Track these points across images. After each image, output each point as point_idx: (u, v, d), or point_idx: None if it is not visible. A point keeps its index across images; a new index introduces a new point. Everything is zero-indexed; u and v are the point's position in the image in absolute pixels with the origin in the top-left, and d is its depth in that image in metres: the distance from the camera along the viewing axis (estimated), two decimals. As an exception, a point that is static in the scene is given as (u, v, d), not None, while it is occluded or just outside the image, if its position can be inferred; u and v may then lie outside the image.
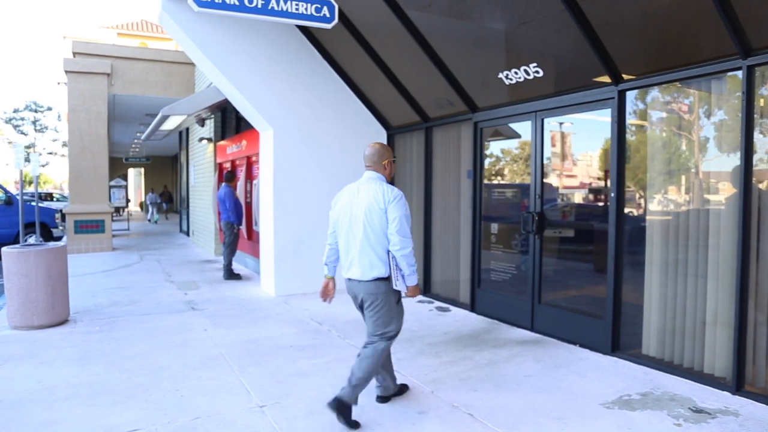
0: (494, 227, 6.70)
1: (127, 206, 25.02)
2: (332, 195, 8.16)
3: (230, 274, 9.61)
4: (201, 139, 13.08)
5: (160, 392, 4.38)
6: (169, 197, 29.84)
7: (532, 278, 6.06)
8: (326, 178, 8.36)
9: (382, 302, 3.83)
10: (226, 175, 9.71)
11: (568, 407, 4.06)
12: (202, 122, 12.02)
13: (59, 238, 14.64)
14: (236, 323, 6.62)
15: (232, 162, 11.40)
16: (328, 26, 5.86)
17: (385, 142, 8.79)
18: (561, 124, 5.90)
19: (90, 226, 13.37)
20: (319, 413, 3.95)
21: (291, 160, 8.11)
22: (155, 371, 4.87)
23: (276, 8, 5.52)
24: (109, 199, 20.29)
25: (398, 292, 3.87)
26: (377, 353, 3.84)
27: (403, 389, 4.37)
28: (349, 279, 3.93)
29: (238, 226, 9.56)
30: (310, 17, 5.69)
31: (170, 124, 10.94)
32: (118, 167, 32.06)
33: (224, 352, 5.48)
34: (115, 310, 7.18)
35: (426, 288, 7.99)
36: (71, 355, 5.29)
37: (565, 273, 6.09)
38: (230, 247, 9.58)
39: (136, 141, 23.16)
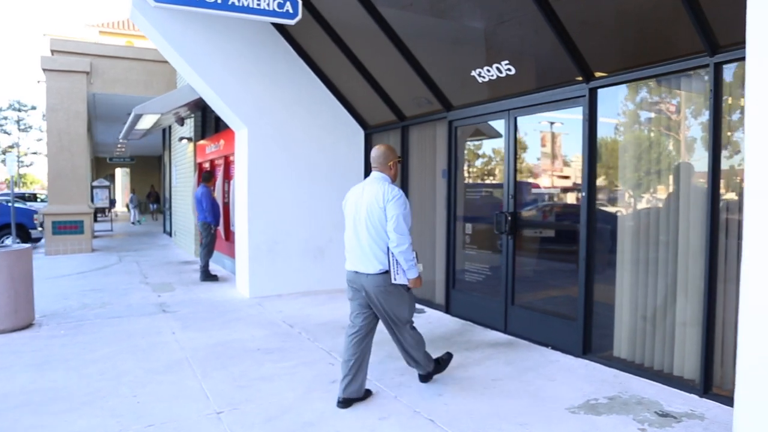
0: (469, 227, 6.61)
1: (111, 207, 24.79)
2: (308, 195, 8.26)
3: (207, 276, 9.47)
4: (181, 139, 12.94)
5: (118, 398, 4.25)
6: (156, 197, 29.61)
7: (506, 279, 5.97)
8: (301, 178, 8.26)
9: (393, 296, 4.08)
10: (204, 175, 9.58)
11: (534, 412, 3.96)
12: (181, 121, 11.87)
13: (38, 240, 14.45)
14: (206, 326, 6.50)
15: (211, 162, 11.26)
16: (292, 22, 5.74)
17: (362, 142, 8.70)
18: (543, 123, 5.81)
19: (68, 227, 13.18)
20: (278, 419, 3.85)
21: (266, 159, 7.99)
22: (116, 376, 4.74)
23: (237, 3, 5.40)
24: (91, 200, 20.15)
25: (404, 284, 4.09)
26: (412, 341, 4.30)
27: (366, 394, 4.27)
28: (356, 272, 4.18)
29: (215, 226, 9.43)
30: (273, 13, 5.57)
31: (145, 123, 10.78)
32: (103, 167, 31.85)
33: (190, 355, 5.36)
34: (84, 313, 7.04)
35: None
36: (30, 361, 5.14)
37: (539, 274, 6.01)
38: (207, 248, 9.45)
39: (121, 141, 22.96)
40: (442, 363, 4.66)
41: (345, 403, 4.08)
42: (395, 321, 4.20)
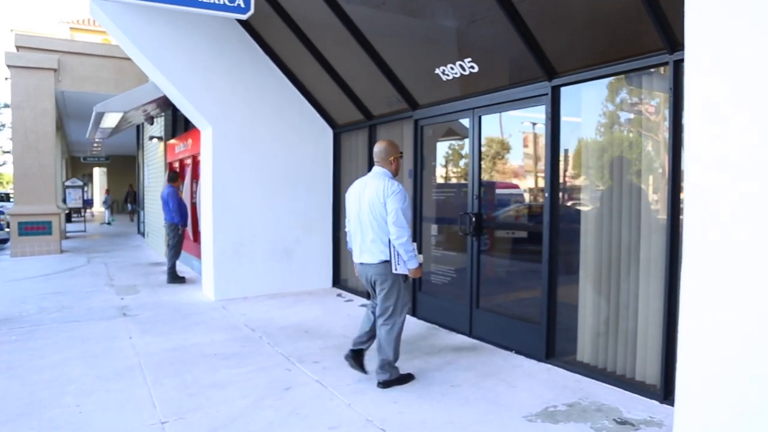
0: (435, 229, 6.48)
1: (88, 207, 24.35)
2: (275, 196, 8.11)
3: (173, 278, 9.26)
4: (151, 138, 12.70)
5: (60, 408, 4.06)
6: (134, 197, 29.13)
7: (470, 282, 5.85)
8: (268, 179, 8.09)
9: (390, 281, 4.35)
10: (170, 175, 9.36)
11: (489, 420, 3.84)
12: (151, 120, 11.64)
13: (5, 241, 14.11)
14: (166, 330, 6.31)
15: (181, 161, 11.05)
16: (244, 16, 5.57)
17: (330, 141, 8.54)
18: (509, 121, 5.70)
19: (35, 228, 12.87)
20: (224, 429, 3.69)
21: (231, 159, 7.81)
22: (63, 384, 4.55)
23: (186, -3, 5.21)
24: (64, 200, 19.78)
25: (405, 273, 4.38)
26: (394, 334, 4.43)
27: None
28: (362, 263, 4.49)
29: (182, 227, 9.22)
30: (223, 7, 5.39)
31: (110, 121, 10.51)
32: (79, 167, 31.35)
33: (144, 361, 5.18)
34: (41, 318, 6.82)
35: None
36: (-28, 369, 4.94)
37: (504, 276, 5.90)
38: (174, 249, 9.24)
39: (97, 140, 22.57)
40: (407, 378, 4.60)
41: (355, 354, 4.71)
42: (383, 306, 4.44)
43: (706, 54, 2.68)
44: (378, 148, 4.50)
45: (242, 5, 5.43)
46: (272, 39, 7.73)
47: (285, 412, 3.97)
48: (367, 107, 7.44)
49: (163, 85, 7.60)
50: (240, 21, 7.69)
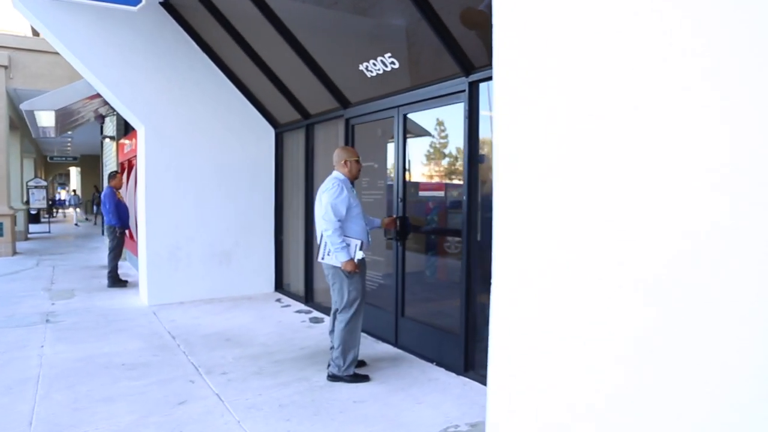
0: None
1: (57, 208, 23.90)
2: (213, 197, 7.84)
3: (114, 281, 8.96)
4: (104, 137, 12.37)
5: (-75, 427, 3.78)
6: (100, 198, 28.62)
7: (396, 289, 5.60)
8: (206, 180, 7.81)
9: (335, 277, 4.56)
10: (109, 175, 9.06)
11: (381, 439, 3.59)
12: (101, 119, 11.31)
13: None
14: (84, 337, 6.02)
15: (129, 161, 10.73)
16: (134, 9, 5.30)
17: (272, 141, 8.28)
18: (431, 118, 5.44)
19: (-15, 229, 12.52)
20: (91, 451, 3.42)
21: (165, 159, 7.52)
22: (-57, 399, 4.26)
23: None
24: (27, 200, 19.37)
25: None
26: (341, 328, 4.54)
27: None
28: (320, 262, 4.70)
29: (119, 229, 8.91)
30: (113, -1, 5.11)
31: (47, 120, 10.18)
32: (52, 167, 30.88)
33: (44, 373, 4.89)
34: (-45, 324, 6.51)
35: (308, 297, 7.49)
36: None
37: (430, 283, 5.65)
38: (113, 252, 8.93)
39: (70, 139, 22.18)
40: (359, 379, 4.63)
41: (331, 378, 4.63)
42: (336, 302, 4.64)
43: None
44: (334, 153, 4.77)
45: (133, -5, 5.15)
46: (208, 36, 7.46)
47: (167, 429, 3.70)
48: (303, 106, 7.18)
49: (94, 83, 7.29)
50: (175, 16, 7.42)
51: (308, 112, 7.19)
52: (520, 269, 2.43)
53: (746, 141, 1.59)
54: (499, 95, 2.51)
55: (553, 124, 2.22)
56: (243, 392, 4.42)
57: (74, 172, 37.93)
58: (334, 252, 4.42)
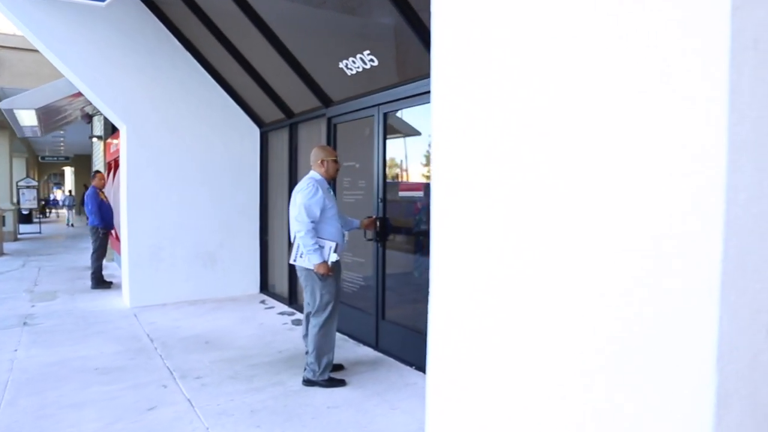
0: (346, 233, 6.08)
1: (50, 208, 23.75)
2: (197, 198, 7.73)
3: (98, 283, 8.85)
4: (91, 137, 12.25)
5: None
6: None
7: (376, 291, 5.50)
8: (190, 180, 7.70)
9: (307, 279, 4.45)
10: (92, 175, 8.94)
11: (352, 447, 3.49)
12: (88, 118, 11.19)
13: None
14: (60, 341, 5.90)
15: (116, 160, 10.61)
16: (102, 4, 5.19)
17: (257, 141, 8.17)
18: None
19: (-30, 230, 12.39)
20: (50, 460, 3.31)
21: (147, 159, 7.41)
22: None
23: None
24: (17, 201, 19.23)
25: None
26: (314, 332, 4.44)
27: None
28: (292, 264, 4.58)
29: (102, 229, 8.79)
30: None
31: (28, 119, 10.06)
32: (46, 167, 30.73)
33: (15, 377, 4.78)
34: (-70, 327, 6.39)
35: (291, 298, 7.38)
36: None
37: (411, 285, 5.54)
38: (96, 253, 8.82)
39: (62, 139, 22.04)
40: (335, 383, 4.53)
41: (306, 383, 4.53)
42: (309, 305, 4.53)
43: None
44: (312, 152, 4.66)
45: (100, -8, 5.04)
46: (191, 33, 7.34)
47: (130, 438, 3.60)
48: (287, 105, 7.08)
49: (75, 82, 7.18)
50: (157, 14, 7.30)
51: (292, 111, 7.08)
52: (457, 278, 2.31)
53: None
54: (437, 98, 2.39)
55: (473, 129, 2.10)
56: (215, 397, 4.31)
57: (69, 172, 37.79)
58: (306, 254, 4.31)
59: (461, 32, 2.14)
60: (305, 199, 4.31)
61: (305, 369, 4.57)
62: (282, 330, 6.32)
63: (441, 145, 2.30)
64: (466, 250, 2.19)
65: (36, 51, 12.53)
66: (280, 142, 7.77)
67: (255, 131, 8.18)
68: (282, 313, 7.08)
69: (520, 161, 1.85)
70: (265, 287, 8.32)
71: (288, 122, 7.23)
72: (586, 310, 1.63)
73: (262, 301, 7.84)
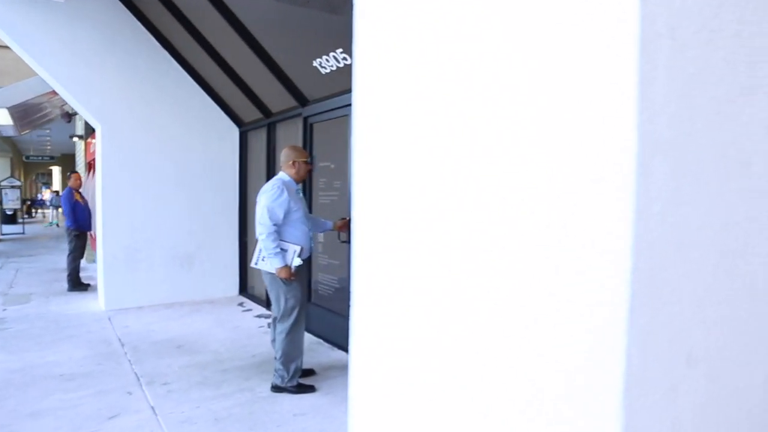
0: (320, 235, 5.97)
1: (36, 208, 23.49)
2: (175, 198, 7.59)
3: (75, 285, 8.69)
4: (72, 136, 12.07)
5: None
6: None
7: (350, 294, 5.37)
8: (167, 180, 7.56)
9: (272, 283, 4.34)
10: (68, 175, 8.78)
11: (315, 457, 3.38)
12: (68, 117, 11.03)
13: None
14: (27, 346, 5.76)
15: (94, 160, 10.45)
16: (61, 0, 5.06)
17: (236, 141, 8.04)
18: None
19: (-52, 231, 12.17)
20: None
21: (122, 159, 7.26)
22: None
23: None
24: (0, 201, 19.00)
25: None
26: (281, 338, 4.32)
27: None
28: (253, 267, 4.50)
29: (75, 231, 8.62)
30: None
31: (2, 118, 9.89)
32: (32, 167, 30.44)
33: (-25, 385, 4.64)
34: None
35: (269, 301, 7.24)
36: None
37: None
38: (72, 254, 8.66)
39: (48, 138, 21.81)
40: (304, 389, 4.44)
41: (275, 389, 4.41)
42: (275, 310, 4.41)
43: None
44: (282, 153, 4.54)
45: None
46: (168, 32, 7.20)
47: (89, 448, 3.48)
48: (265, 104, 6.95)
49: (48, 80, 7.02)
50: (134, 12, 7.16)
51: (270, 110, 6.96)
52: (377, 283, 2.20)
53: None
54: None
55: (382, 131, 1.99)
56: (180, 404, 4.19)
57: (56, 172, 37.48)
58: (268, 257, 4.20)
59: (378, 35, 2.02)
60: (269, 201, 4.20)
61: (274, 375, 4.45)
62: (257, 333, 6.20)
63: (358, 147, 2.17)
64: (382, 253, 2.06)
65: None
66: (259, 142, 7.65)
67: (234, 131, 8.05)
68: (259, 316, 6.96)
69: (429, 164, 1.73)
70: (244, 289, 8.19)
71: (266, 122, 7.11)
72: (485, 324, 1.47)
73: (241, 304, 7.71)
